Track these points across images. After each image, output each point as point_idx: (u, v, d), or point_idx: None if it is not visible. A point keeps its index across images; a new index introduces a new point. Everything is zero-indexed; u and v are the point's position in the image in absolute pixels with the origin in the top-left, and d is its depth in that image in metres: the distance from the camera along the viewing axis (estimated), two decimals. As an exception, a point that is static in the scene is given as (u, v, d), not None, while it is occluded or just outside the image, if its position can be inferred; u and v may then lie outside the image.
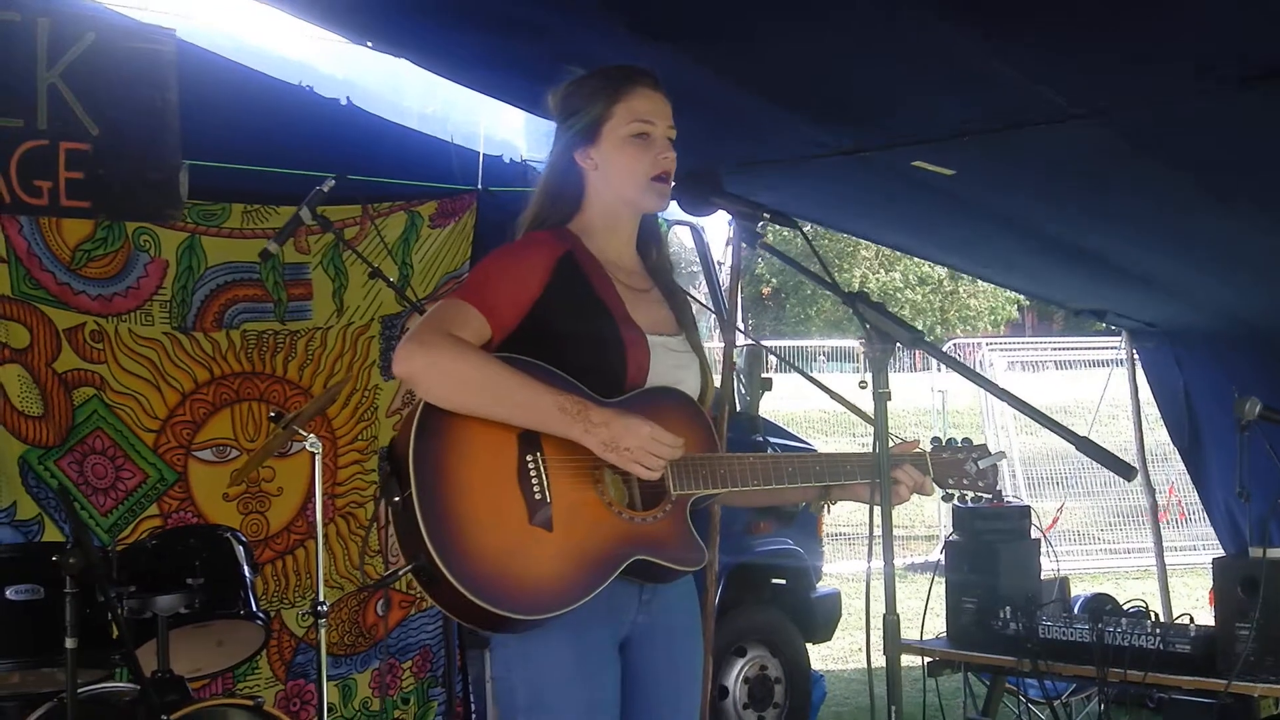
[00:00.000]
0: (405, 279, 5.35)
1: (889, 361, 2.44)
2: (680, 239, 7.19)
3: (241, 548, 4.32)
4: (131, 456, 4.90)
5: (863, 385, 2.49)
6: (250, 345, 5.13)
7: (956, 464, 2.99)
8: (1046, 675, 4.90)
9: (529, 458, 2.52)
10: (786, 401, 16.75)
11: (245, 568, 4.27)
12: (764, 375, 6.56)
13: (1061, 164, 4.70)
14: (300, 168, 4.89)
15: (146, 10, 4.60)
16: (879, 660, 2.51)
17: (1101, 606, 5.18)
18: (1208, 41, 3.60)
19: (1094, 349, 16.16)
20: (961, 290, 37.62)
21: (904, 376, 21.21)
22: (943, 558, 5.44)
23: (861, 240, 36.36)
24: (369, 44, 4.99)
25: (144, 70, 4.35)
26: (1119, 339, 8.25)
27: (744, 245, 3.43)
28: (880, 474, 2.42)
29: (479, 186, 5.60)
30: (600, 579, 2.53)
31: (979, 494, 2.99)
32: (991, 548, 5.17)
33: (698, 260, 7.01)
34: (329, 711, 5.02)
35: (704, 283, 6.91)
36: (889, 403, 2.42)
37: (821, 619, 7.14)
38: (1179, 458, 8.09)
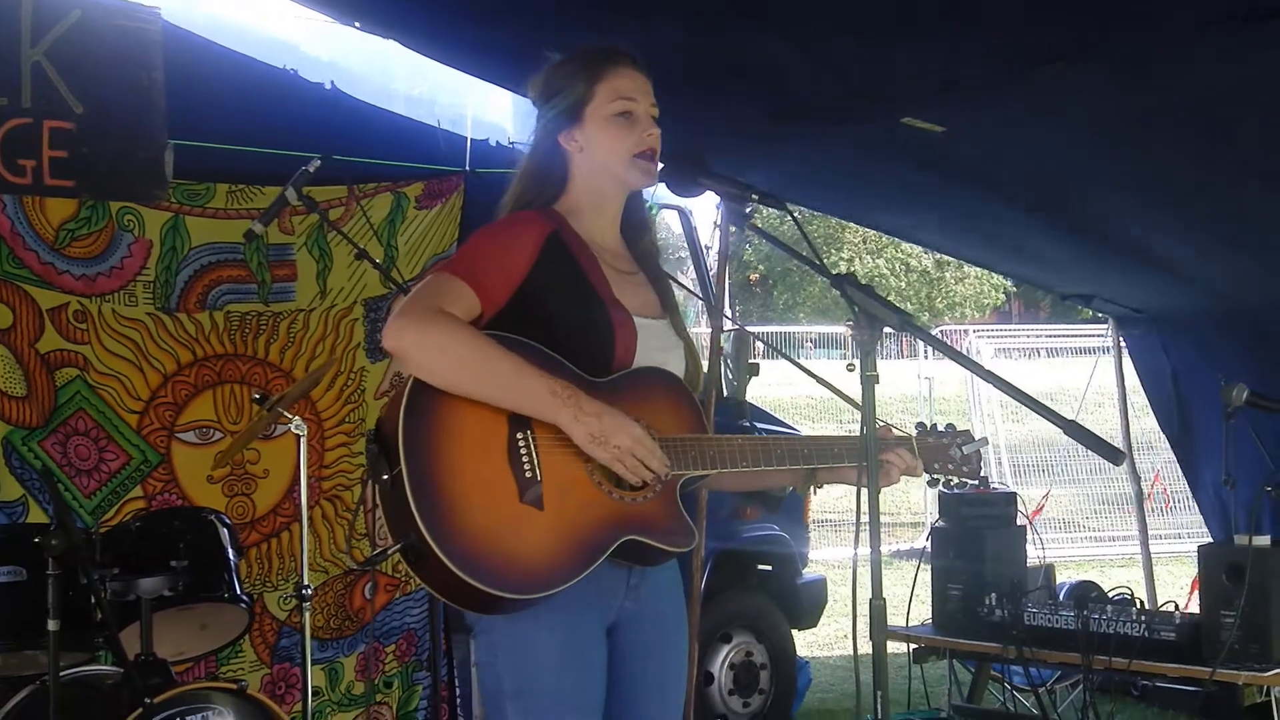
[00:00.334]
0: (390, 261, 5.32)
1: (877, 345, 2.43)
2: (668, 224, 7.18)
3: (226, 530, 4.30)
4: (115, 438, 4.87)
5: (850, 368, 2.48)
6: (233, 327, 5.10)
7: (941, 449, 3.01)
8: (1031, 662, 4.91)
9: (519, 435, 2.50)
10: (774, 388, 16.77)
11: (229, 550, 4.25)
12: (751, 360, 6.55)
13: (1056, 118, 4.63)
14: (286, 149, 4.87)
15: (132, -12, 4.57)
16: (865, 646, 2.50)
17: (1087, 594, 5.20)
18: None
19: (1080, 336, 16.19)
20: (948, 277, 37.69)
21: (890, 363, 21.25)
22: (928, 544, 5.46)
23: (847, 226, 36.51)
24: (356, 24, 4.97)
25: (129, 49, 4.32)
26: (1105, 326, 8.26)
27: (732, 227, 3.42)
28: (868, 457, 2.41)
29: (466, 168, 5.58)
30: (591, 559, 2.51)
31: (963, 479, 3.01)
32: (977, 534, 5.18)
33: (685, 245, 6.99)
34: (316, 695, 5.02)
35: (691, 268, 6.90)
36: (876, 387, 2.42)
37: (807, 605, 7.14)
38: (1165, 446, 8.10)
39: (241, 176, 5.05)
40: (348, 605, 5.36)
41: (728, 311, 6.42)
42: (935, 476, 3.00)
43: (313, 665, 4.39)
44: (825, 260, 2.75)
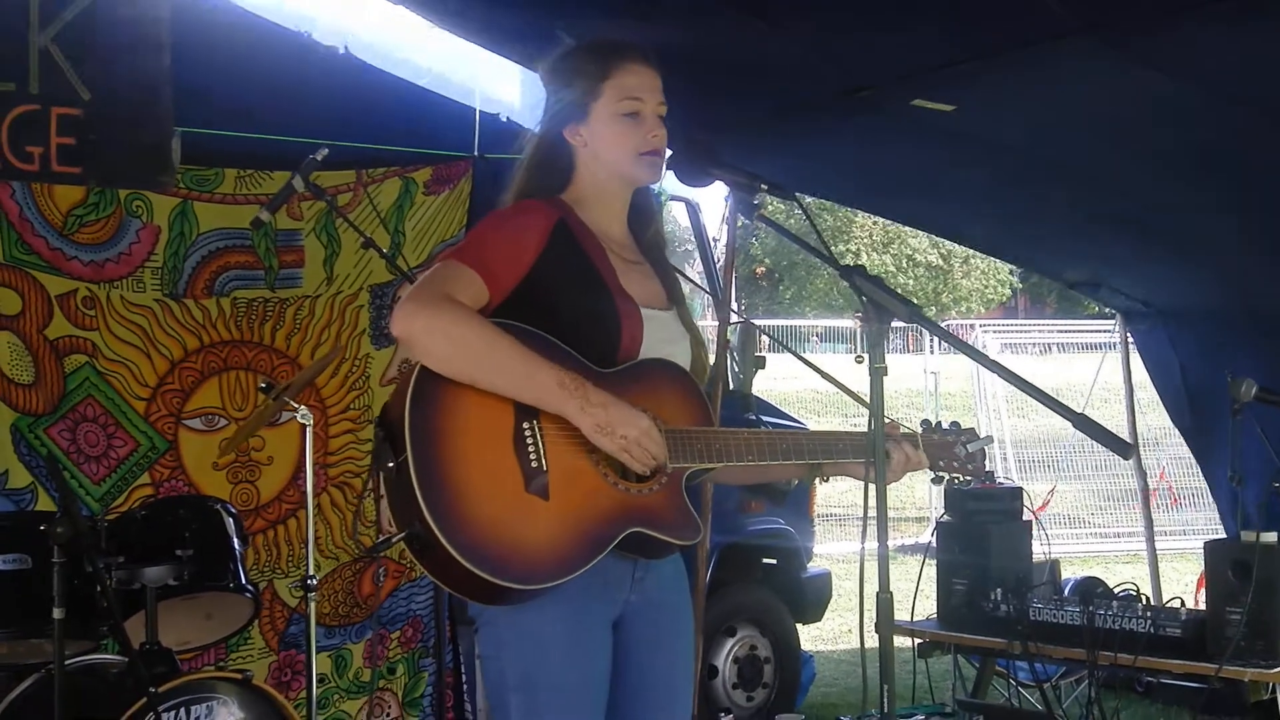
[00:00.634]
0: (397, 247, 5.31)
1: (886, 336, 2.42)
2: (675, 216, 7.17)
3: (231, 519, 4.30)
4: (123, 424, 4.87)
5: (859, 360, 2.48)
6: (240, 313, 5.10)
7: (946, 446, 3.01)
8: (1036, 658, 4.90)
9: (525, 425, 2.50)
10: (780, 382, 16.76)
11: (235, 539, 4.25)
12: (757, 354, 6.55)
13: (1065, 96, 4.60)
14: (295, 128, 4.86)
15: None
16: (871, 640, 2.50)
17: (1092, 589, 5.19)
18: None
19: (1087, 331, 16.19)
20: (955, 270, 37.67)
21: (896, 358, 21.19)
22: (933, 539, 5.45)
23: (853, 221, 36.50)
24: None
25: (137, 36, 4.31)
26: (1112, 322, 8.24)
27: (741, 219, 3.42)
28: (875, 448, 2.40)
29: (475, 154, 5.56)
30: (596, 551, 2.50)
31: (968, 476, 3.01)
32: (983, 529, 5.17)
33: (692, 238, 6.98)
34: (322, 682, 5.02)
35: (698, 260, 6.89)
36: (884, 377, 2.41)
37: (812, 599, 7.14)
38: (1171, 442, 8.10)
39: (250, 160, 5.04)
40: (356, 592, 5.36)
41: (735, 305, 6.41)
42: (940, 474, 3.00)
43: (319, 652, 4.39)
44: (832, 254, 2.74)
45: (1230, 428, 5.02)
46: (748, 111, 5.04)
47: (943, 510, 5.42)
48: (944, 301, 37.15)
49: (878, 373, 2.40)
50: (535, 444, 2.49)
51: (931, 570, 5.28)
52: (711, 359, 3.44)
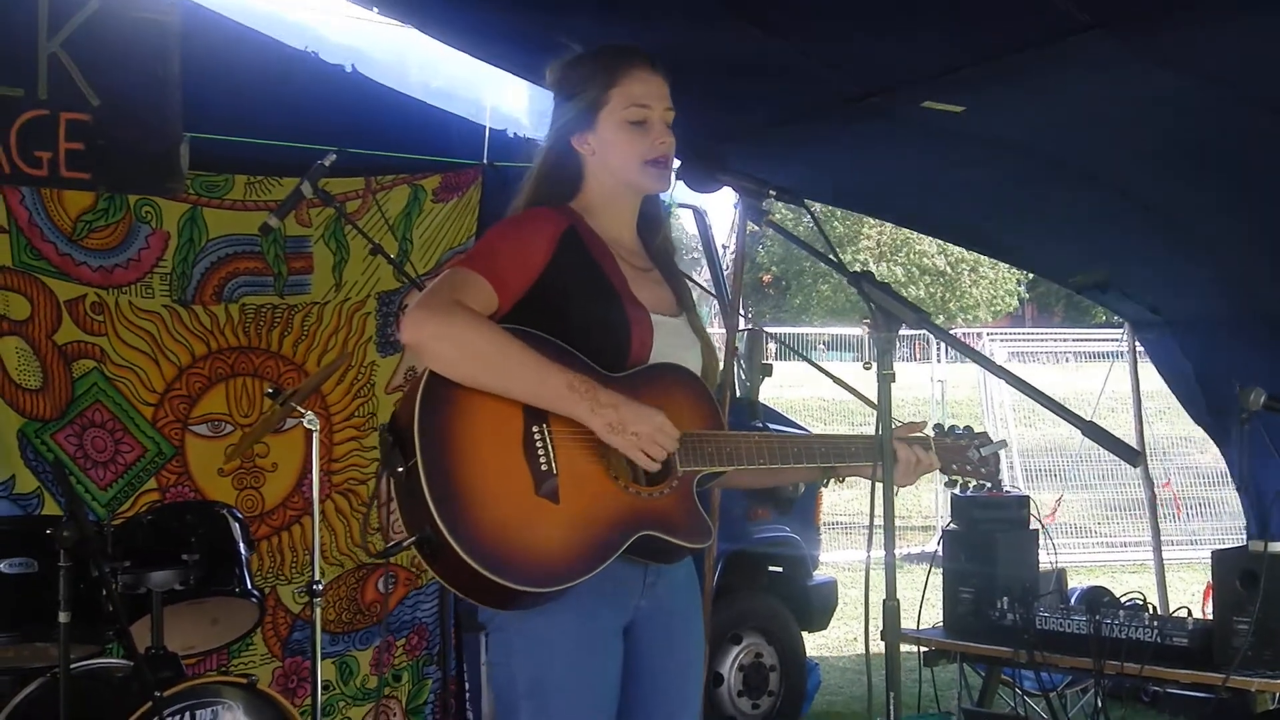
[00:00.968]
0: (405, 254, 5.32)
1: (894, 343, 2.42)
2: (682, 223, 7.17)
3: (238, 525, 4.30)
4: (131, 430, 4.88)
5: (867, 367, 2.48)
6: (248, 319, 5.10)
7: (959, 450, 3.00)
8: (1042, 667, 4.88)
9: (535, 429, 2.50)
10: (787, 389, 16.75)
11: (241, 545, 4.25)
12: (764, 361, 6.55)
13: (1073, 94, 4.60)
14: (304, 137, 4.87)
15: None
16: (876, 648, 2.49)
17: (1099, 598, 5.17)
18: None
19: (1095, 340, 16.15)
20: (964, 279, 37.65)
21: (903, 366, 21.17)
22: (940, 547, 5.43)
23: (861, 231, 36.49)
24: (375, 9, 4.97)
25: (146, 41, 4.33)
26: (1120, 330, 8.22)
27: (750, 225, 3.41)
28: (882, 456, 2.40)
29: (484, 161, 5.57)
30: (607, 553, 2.50)
31: (981, 481, 2.99)
32: (989, 537, 5.16)
33: (700, 245, 6.98)
34: (327, 689, 5.02)
35: (706, 267, 6.89)
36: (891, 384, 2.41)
37: (818, 607, 7.13)
38: (1178, 452, 8.08)
39: (260, 167, 5.05)
40: (360, 599, 5.36)
41: (742, 312, 6.40)
42: (953, 478, 2.99)
43: (324, 659, 4.38)
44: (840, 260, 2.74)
45: (1240, 435, 5.00)
46: (752, 118, 5.04)
47: (949, 519, 5.41)
48: (951, 309, 37.13)
49: (885, 379, 2.40)
50: (545, 448, 2.49)
51: (938, 579, 5.27)
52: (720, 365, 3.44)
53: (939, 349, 16.17)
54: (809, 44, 4.43)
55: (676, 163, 2.80)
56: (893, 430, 2.82)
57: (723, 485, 2.87)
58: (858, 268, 2.46)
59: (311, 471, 4.34)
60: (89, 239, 4.78)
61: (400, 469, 2.42)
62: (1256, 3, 3.79)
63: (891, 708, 2.39)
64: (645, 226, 2.89)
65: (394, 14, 4.92)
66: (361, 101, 5.21)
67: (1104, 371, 9.93)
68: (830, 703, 7.50)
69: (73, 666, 3.62)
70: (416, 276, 4.72)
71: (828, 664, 8.23)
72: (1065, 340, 19.67)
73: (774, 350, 11.20)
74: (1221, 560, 4.70)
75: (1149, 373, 7.76)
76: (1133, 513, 13.23)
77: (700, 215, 6.86)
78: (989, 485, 3.03)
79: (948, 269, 37.48)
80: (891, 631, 2.40)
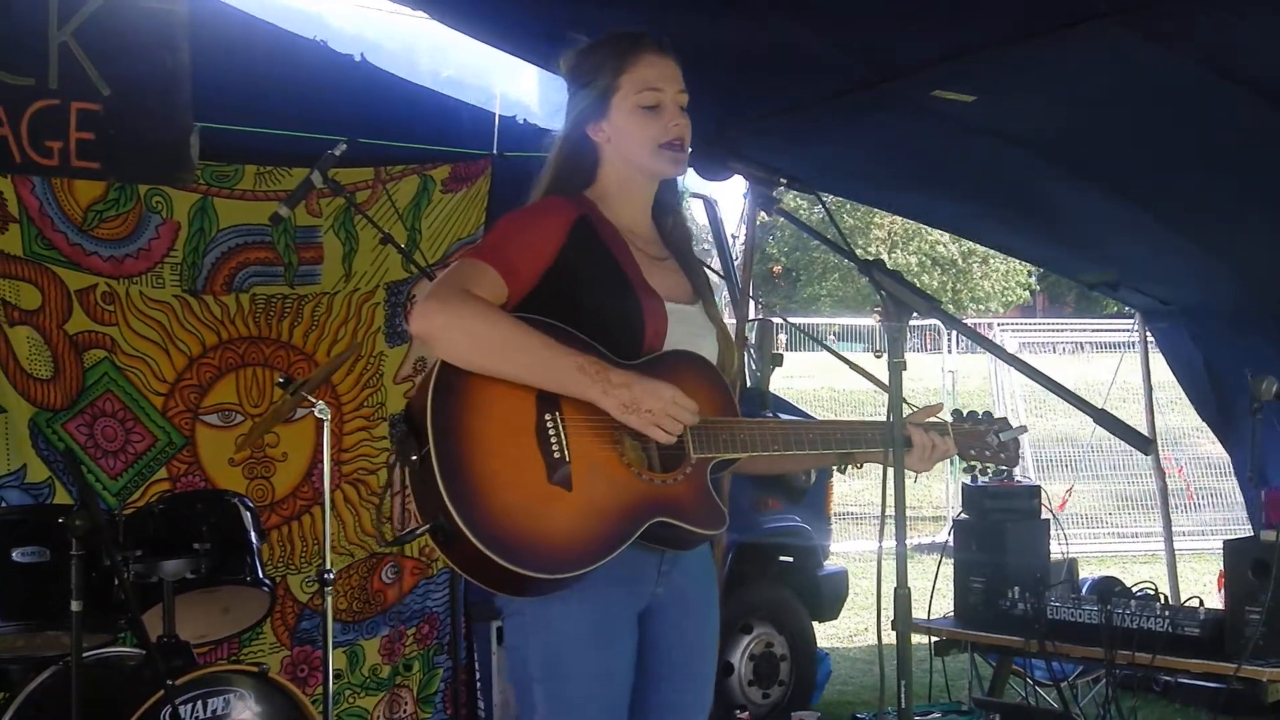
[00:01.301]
0: (414, 244, 5.32)
1: (905, 331, 2.41)
2: (693, 213, 7.15)
3: (249, 514, 4.30)
4: (141, 419, 4.89)
5: (878, 355, 2.47)
6: (259, 309, 5.11)
7: (978, 435, 2.99)
8: (1054, 656, 4.88)
9: (547, 416, 2.50)
10: (797, 380, 16.74)
11: (252, 534, 4.26)
12: (775, 351, 6.54)
13: (1086, 84, 4.57)
14: (314, 127, 4.88)
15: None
16: (888, 637, 2.49)
17: (1110, 588, 5.16)
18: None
19: (1106, 330, 16.12)
20: (974, 270, 37.57)
21: (914, 357, 21.06)
22: (951, 537, 5.43)
23: (871, 222, 36.42)
24: None
25: (156, 31, 4.32)
26: (1131, 321, 8.21)
27: (761, 215, 3.41)
28: (894, 444, 2.40)
29: (494, 151, 5.56)
30: (620, 540, 2.50)
31: (1000, 466, 2.98)
32: (1000, 527, 5.16)
33: (710, 235, 6.97)
34: (337, 678, 5.03)
35: (716, 257, 6.88)
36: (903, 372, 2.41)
37: (828, 597, 7.12)
38: (1189, 442, 8.06)
39: (270, 158, 5.05)
40: (369, 588, 5.37)
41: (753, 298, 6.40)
42: (971, 463, 2.98)
43: (334, 648, 4.39)
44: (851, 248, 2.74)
45: (1251, 426, 4.99)
46: (762, 106, 5.02)
47: (960, 509, 5.41)
48: (962, 300, 37.06)
49: (896, 367, 2.40)
50: (558, 435, 2.49)
51: (948, 569, 5.27)
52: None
53: (950, 339, 16.14)
54: (819, 30, 4.42)
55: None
56: (909, 415, 2.82)
57: (736, 471, 2.86)
58: (869, 257, 2.45)
59: (321, 461, 4.35)
60: (99, 229, 4.79)
61: (414, 457, 2.42)
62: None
63: (903, 697, 2.39)
64: (657, 211, 2.88)
65: (403, 0, 4.91)
66: (371, 91, 5.21)
67: (1115, 362, 9.89)
68: (841, 692, 7.50)
69: (85, 655, 3.63)
70: (427, 266, 4.72)
71: (838, 654, 8.22)
72: (1076, 330, 19.63)
73: (784, 340, 11.20)
74: (1233, 550, 4.69)
75: (1160, 363, 7.75)
76: (1144, 503, 13.20)
77: (711, 205, 6.85)
78: (1008, 469, 3.01)
79: (959, 259, 37.40)
80: (903, 621, 2.40)
